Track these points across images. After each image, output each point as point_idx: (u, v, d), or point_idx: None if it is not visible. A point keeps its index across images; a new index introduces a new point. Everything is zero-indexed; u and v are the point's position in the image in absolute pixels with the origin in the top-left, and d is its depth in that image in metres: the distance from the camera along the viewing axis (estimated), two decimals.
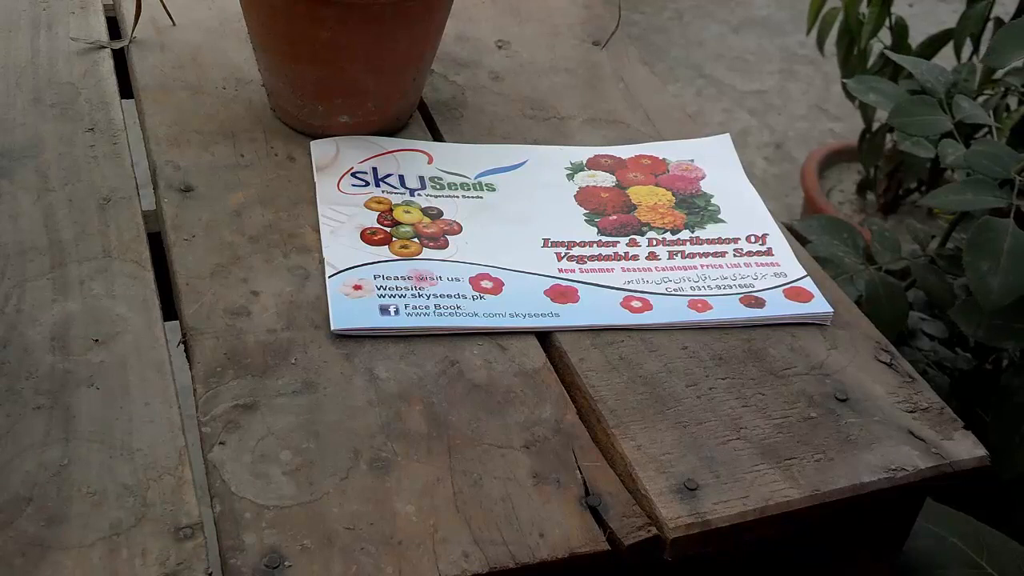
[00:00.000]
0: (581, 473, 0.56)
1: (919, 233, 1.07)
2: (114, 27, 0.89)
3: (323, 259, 0.67)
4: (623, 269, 0.70)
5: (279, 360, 0.60)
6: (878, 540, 0.64)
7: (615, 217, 0.75)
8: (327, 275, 0.66)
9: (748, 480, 0.57)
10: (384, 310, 0.64)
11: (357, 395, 0.59)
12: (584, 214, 0.75)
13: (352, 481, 0.54)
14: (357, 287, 0.65)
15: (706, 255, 0.72)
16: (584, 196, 0.76)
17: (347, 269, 0.66)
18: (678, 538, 0.54)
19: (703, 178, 0.79)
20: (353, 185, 0.74)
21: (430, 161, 0.78)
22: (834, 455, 0.59)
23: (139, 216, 0.69)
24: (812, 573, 0.64)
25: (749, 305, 0.68)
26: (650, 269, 0.70)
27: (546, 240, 0.72)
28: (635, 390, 0.61)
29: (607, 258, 0.71)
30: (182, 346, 0.61)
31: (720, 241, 0.73)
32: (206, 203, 0.70)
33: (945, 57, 1.38)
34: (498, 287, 0.67)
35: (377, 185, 0.74)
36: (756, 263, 0.72)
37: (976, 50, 1.47)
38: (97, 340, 0.60)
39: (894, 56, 1.10)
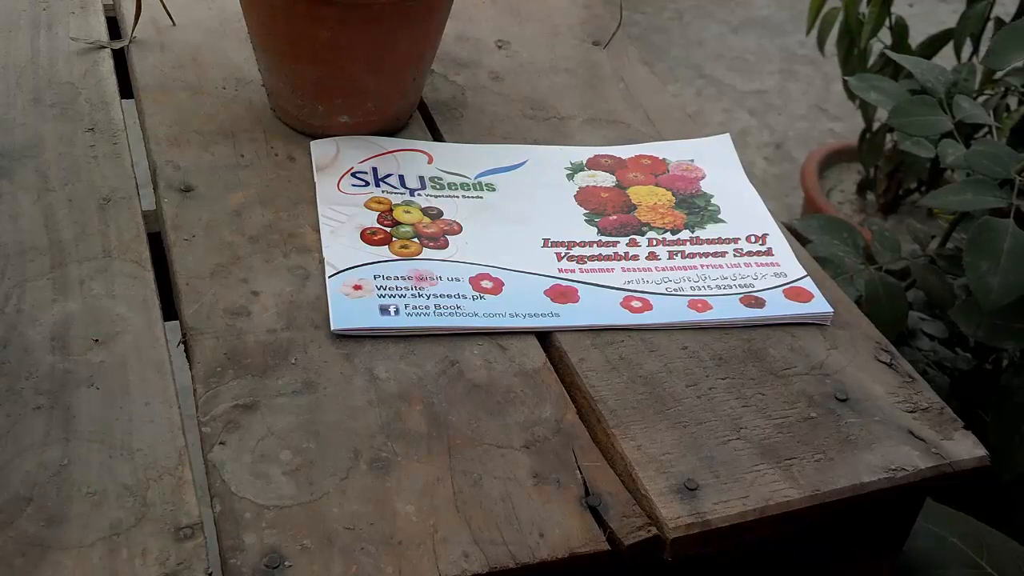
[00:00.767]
0: (581, 473, 0.56)
1: (919, 233, 1.07)
2: (114, 27, 0.89)
3: (323, 259, 0.67)
4: (623, 269, 0.70)
5: (279, 360, 0.60)
6: (878, 540, 0.64)
7: (615, 217, 0.75)
8: (327, 275, 0.66)
9: (748, 480, 0.57)
10: (384, 310, 0.64)
11: (357, 395, 0.59)
12: (584, 214, 0.75)
13: (352, 481, 0.54)
14: (357, 287, 0.65)
15: (706, 255, 0.72)
16: (584, 196, 0.76)
17: (347, 269, 0.66)
18: (678, 538, 0.54)
19: (703, 178, 0.79)
20: (353, 185, 0.74)
21: (430, 161, 0.78)
22: (834, 455, 0.59)
23: (139, 216, 0.69)
24: (812, 573, 0.64)
25: (749, 305, 0.68)
26: (650, 269, 0.70)
27: (546, 240, 0.72)
28: (635, 390, 0.61)
29: (607, 258, 0.71)
30: (182, 346, 0.61)
31: (720, 241, 0.73)
32: (206, 203, 0.70)
33: (945, 57, 1.38)
34: (498, 287, 0.67)
35: (377, 185, 0.74)
36: (756, 263, 0.72)
37: (976, 50, 1.47)
38: (97, 340, 0.60)
39: (894, 56, 1.10)
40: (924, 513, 0.66)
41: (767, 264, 0.72)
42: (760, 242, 0.74)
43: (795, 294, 0.69)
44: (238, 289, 0.64)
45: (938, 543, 0.73)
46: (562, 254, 0.71)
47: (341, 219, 0.70)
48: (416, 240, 0.70)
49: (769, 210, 0.77)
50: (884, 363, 0.65)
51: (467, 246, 0.70)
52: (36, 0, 0.89)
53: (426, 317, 0.64)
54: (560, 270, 0.69)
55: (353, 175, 0.75)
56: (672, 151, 0.82)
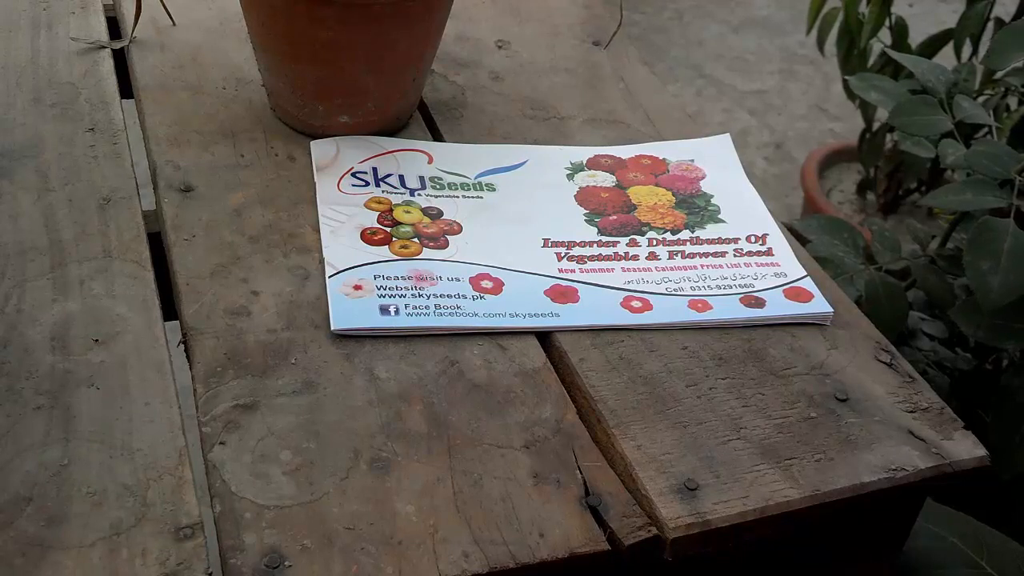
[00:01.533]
0: (581, 473, 0.56)
1: (919, 233, 1.07)
2: (114, 27, 0.89)
3: (323, 259, 0.67)
4: (623, 269, 0.70)
5: (279, 360, 0.60)
6: (878, 540, 0.64)
7: (615, 217, 0.75)
8: (327, 275, 0.66)
9: (748, 480, 0.57)
10: (384, 310, 0.64)
11: (357, 395, 0.59)
12: (584, 214, 0.75)
13: (352, 481, 0.54)
14: (357, 287, 0.65)
15: (706, 255, 0.72)
16: (584, 196, 0.76)
17: (347, 269, 0.66)
18: (678, 538, 0.54)
19: (703, 178, 0.79)
20: (353, 185, 0.74)
21: (430, 161, 0.78)
22: (834, 455, 0.59)
23: (139, 216, 0.69)
24: (812, 573, 0.64)
25: (749, 305, 0.68)
26: (650, 269, 0.70)
27: (546, 240, 0.72)
28: (635, 390, 0.61)
29: (607, 258, 0.71)
30: (182, 346, 0.61)
31: (720, 241, 0.73)
32: (206, 203, 0.70)
33: (945, 57, 1.38)
34: (498, 287, 0.67)
35: (377, 185, 0.74)
36: (756, 263, 0.72)
37: (976, 50, 1.47)
38: (97, 340, 0.60)
39: (895, 55, 1.10)
40: (924, 513, 0.66)
41: (767, 264, 0.72)
42: (760, 242, 0.74)
43: (795, 294, 0.69)
44: (238, 289, 0.64)
45: (938, 543, 0.73)
46: (562, 254, 0.71)
47: (341, 219, 0.70)
48: (416, 240, 0.70)
49: (769, 210, 0.77)
50: (884, 363, 0.65)
51: (467, 246, 0.70)
52: (36, 0, 0.89)
53: (426, 317, 0.64)
54: (560, 270, 0.69)
55: (353, 175, 0.75)
56: (672, 151, 0.82)
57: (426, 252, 0.69)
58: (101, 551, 0.49)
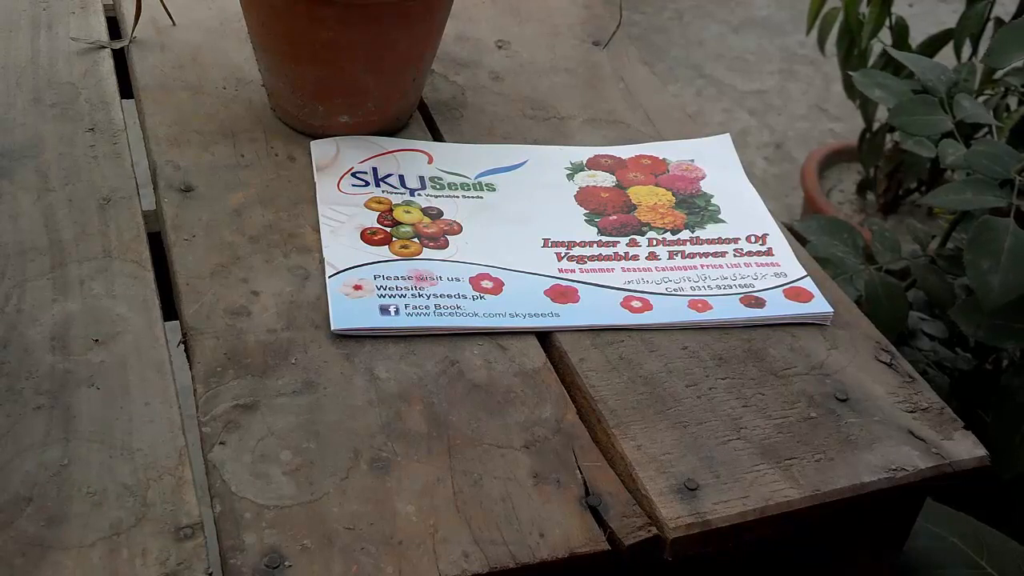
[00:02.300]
0: (581, 473, 0.56)
1: (919, 233, 1.07)
2: (114, 27, 0.89)
3: (323, 259, 0.67)
4: (623, 269, 0.70)
5: (279, 360, 0.60)
6: (878, 540, 0.64)
7: (615, 217, 0.75)
8: (327, 275, 0.66)
9: (748, 480, 0.57)
10: (384, 310, 0.64)
11: (357, 395, 0.59)
12: (584, 214, 0.75)
13: (352, 481, 0.54)
14: (357, 287, 0.65)
15: (706, 255, 0.72)
16: (584, 196, 0.76)
17: (347, 269, 0.66)
18: (678, 538, 0.54)
19: (703, 178, 0.79)
20: (353, 185, 0.74)
21: (430, 161, 0.78)
22: (834, 455, 0.59)
23: (139, 216, 0.69)
24: (812, 573, 0.64)
25: (749, 305, 0.68)
26: (650, 269, 0.70)
27: (546, 240, 0.72)
28: (635, 390, 0.61)
29: (607, 258, 0.71)
30: (182, 346, 0.61)
31: (720, 241, 0.73)
32: (206, 203, 0.70)
33: (945, 57, 1.38)
34: (498, 287, 0.67)
35: (377, 185, 0.74)
36: (756, 263, 0.72)
37: (976, 50, 1.47)
38: (97, 340, 0.60)
39: (896, 53, 1.10)
40: (924, 513, 0.66)
41: (767, 264, 0.72)
42: (760, 242, 0.74)
43: (795, 294, 0.69)
44: (238, 289, 0.64)
45: (938, 543, 0.73)
46: (562, 254, 0.71)
47: (341, 219, 0.70)
48: (416, 240, 0.70)
49: (769, 210, 0.77)
50: (884, 363, 0.65)
51: (467, 246, 0.70)
52: (36, 0, 0.89)
53: (426, 317, 0.64)
54: (560, 270, 0.69)
55: (353, 175, 0.75)
56: (672, 151, 0.82)
57: (426, 252, 0.69)
58: (101, 551, 0.49)
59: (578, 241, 0.72)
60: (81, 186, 0.71)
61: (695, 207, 0.76)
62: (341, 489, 0.54)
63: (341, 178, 0.74)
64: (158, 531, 0.50)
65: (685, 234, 0.74)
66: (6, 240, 0.65)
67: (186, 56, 0.85)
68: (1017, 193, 0.84)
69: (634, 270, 0.70)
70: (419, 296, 0.65)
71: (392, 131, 0.80)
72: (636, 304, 0.67)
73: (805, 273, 0.71)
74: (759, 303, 0.68)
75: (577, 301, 0.67)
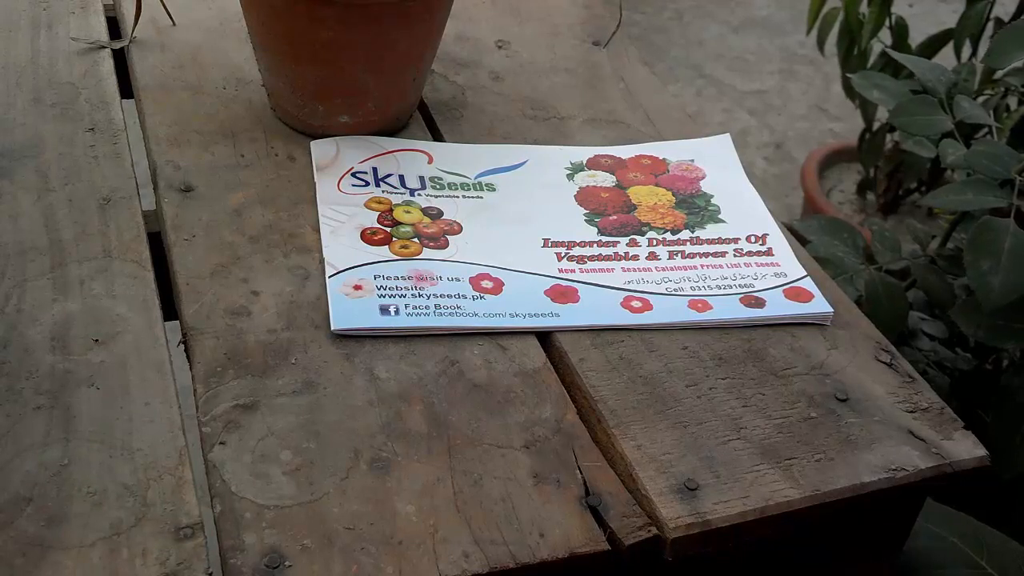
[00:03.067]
0: (581, 473, 0.56)
1: (919, 233, 1.07)
2: (114, 27, 0.89)
3: (323, 259, 0.67)
4: (623, 269, 0.70)
5: (279, 360, 0.60)
6: (878, 540, 0.64)
7: (615, 217, 0.75)
8: (327, 275, 0.66)
9: (748, 480, 0.57)
10: (384, 310, 0.64)
11: (357, 395, 0.59)
12: (584, 214, 0.75)
13: (352, 481, 0.54)
14: (357, 287, 0.65)
15: (706, 255, 0.72)
16: (584, 196, 0.76)
17: (347, 269, 0.66)
18: (678, 538, 0.54)
19: (703, 178, 0.79)
20: (353, 185, 0.74)
21: (430, 161, 0.78)
22: (834, 455, 0.59)
23: (139, 216, 0.69)
24: (812, 573, 0.64)
25: (749, 305, 0.68)
26: (650, 269, 0.70)
27: (546, 240, 0.72)
28: (635, 390, 0.61)
29: (607, 258, 0.71)
30: (182, 346, 0.61)
31: (720, 241, 0.73)
32: (206, 203, 0.70)
33: (945, 57, 1.38)
34: (498, 287, 0.67)
35: (377, 185, 0.74)
36: (756, 263, 0.72)
37: (976, 50, 1.47)
38: (97, 340, 0.60)
39: (895, 54, 1.10)
40: (924, 513, 0.66)
41: (767, 264, 0.72)
42: (760, 242, 0.74)
43: (795, 294, 0.69)
44: (238, 289, 0.64)
45: (938, 543, 0.73)
46: (562, 254, 0.71)
47: (341, 219, 0.70)
48: (416, 240, 0.70)
49: (769, 210, 0.77)
50: (884, 363, 0.65)
51: (467, 246, 0.70)
52: (36, 0, 0.89)
53: (426, 317, 0.64)
54: (560, 270, 0.69)
55: (353, 175, 0.75)
56: (672, 151, 0.82)
57: (426, 252, 0.69)
58: (101, 551, 0.49)
59: (578, 241, 0.72)
60: (81, 186, 0.71)
61: (695, 207, 0.76)
62: (341, 489, 0.54)
63: (341, 178, 0.74)
64: (158, 531, 0.50)
65: (685, 234, 0.74)
66: (6, 240, 0.65)
67: (186, 56, 0.85)
68: (1017, 193, 0.84)
69: (634, 270, 0.70)
70: (419, 296, 0.65)
71: (392, 131, 0.80)
72: (636, 304, 0.67)
73: (805, 273, 0.71)
74: (759, 303, 0.68)
75: (577, 301, 0.67)
